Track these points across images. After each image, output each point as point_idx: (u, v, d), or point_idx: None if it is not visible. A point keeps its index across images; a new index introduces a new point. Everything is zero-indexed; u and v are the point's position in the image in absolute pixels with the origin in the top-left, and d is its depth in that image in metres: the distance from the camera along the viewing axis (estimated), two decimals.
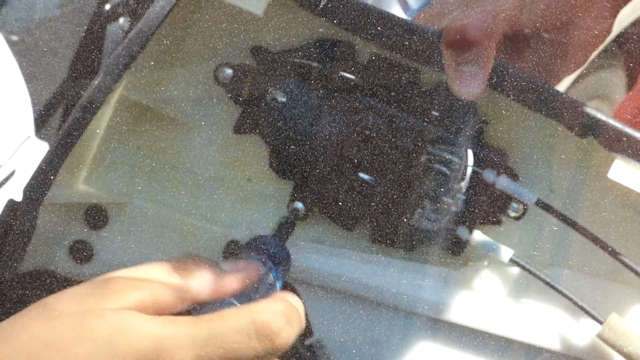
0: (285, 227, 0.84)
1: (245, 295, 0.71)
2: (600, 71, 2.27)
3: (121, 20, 1.40)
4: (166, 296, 0.67)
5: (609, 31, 0.83)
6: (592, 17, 0.81)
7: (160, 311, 0.66)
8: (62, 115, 1.47)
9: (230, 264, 0.71)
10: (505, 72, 0.77)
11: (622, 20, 2.16)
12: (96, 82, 0.75)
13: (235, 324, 0.65)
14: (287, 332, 0.66)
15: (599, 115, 0.77)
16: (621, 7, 0.83)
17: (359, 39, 0.81)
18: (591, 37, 0.82)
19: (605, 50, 2.23)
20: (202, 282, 0.69)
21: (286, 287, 0.84)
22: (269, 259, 0.76)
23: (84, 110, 0.76)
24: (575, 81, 2.20)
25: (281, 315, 0.66)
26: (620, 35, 2.23)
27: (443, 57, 0.75)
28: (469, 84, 0.74)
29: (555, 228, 0.81)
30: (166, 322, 0.64)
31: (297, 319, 0.67)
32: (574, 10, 0.80)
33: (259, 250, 0.78)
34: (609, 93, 2.32)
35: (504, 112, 0.81)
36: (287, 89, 0.81)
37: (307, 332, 0.85)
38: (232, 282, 0.70)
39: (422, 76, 0.81)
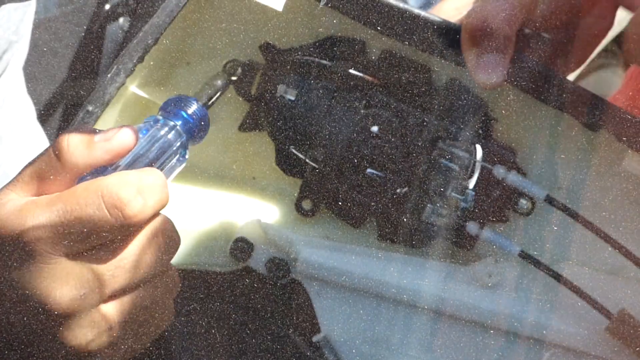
0: (213, 90, 0.82)
1: (141, 162, 0.70)
2: (600, 71, 2.27)
3: (121, 20, 1.39)
4: (46, 170, 0.68)
5: (608, 28, 0.83)
6: (592, 15, 0.81)
7: (44, 184, 0.68)
8: (61, 115, 1.46)
9: (101, 134, 0.69)
10: (518, 62, 0.78)
11: (622, 20, 2.16)
12: (109, 75, 0.75)
13: (85, 197, 0.66)
14: (138, 202, 0.66)
15: (614, 107, 0.77)
16: (619, 2, 0.84)
17: (368, 35, 0.81)
18: (592, 35, 0.82)
19: (605, 50, 2.23)
20: (75, 154, 0.68)
21: (294, 283, 0.85)
22: (182, 124, 0.73)
23: (95, 104, 0.76)
24: (575, 81, 2.20)
25: (130, 185, 0.66)
26: (620, 35, 2.23)
27: (462, 48, 0.75)
28: (491, 72, 0.75)
29: (562, 224, 0.82)
30: (26, 207, 0.66)
31: (151, 191, 0.67)
32: (574, 8, 0.80)
33: (176, 112, 0.74)
34: (609, 93, 2.32)
35: (511, 109, 0.81)
36: (297, 87, 0.81)
37: (314, 328, 0.85)
38: (101, 153, 0.69)
39: (431, 73, 0.81)
